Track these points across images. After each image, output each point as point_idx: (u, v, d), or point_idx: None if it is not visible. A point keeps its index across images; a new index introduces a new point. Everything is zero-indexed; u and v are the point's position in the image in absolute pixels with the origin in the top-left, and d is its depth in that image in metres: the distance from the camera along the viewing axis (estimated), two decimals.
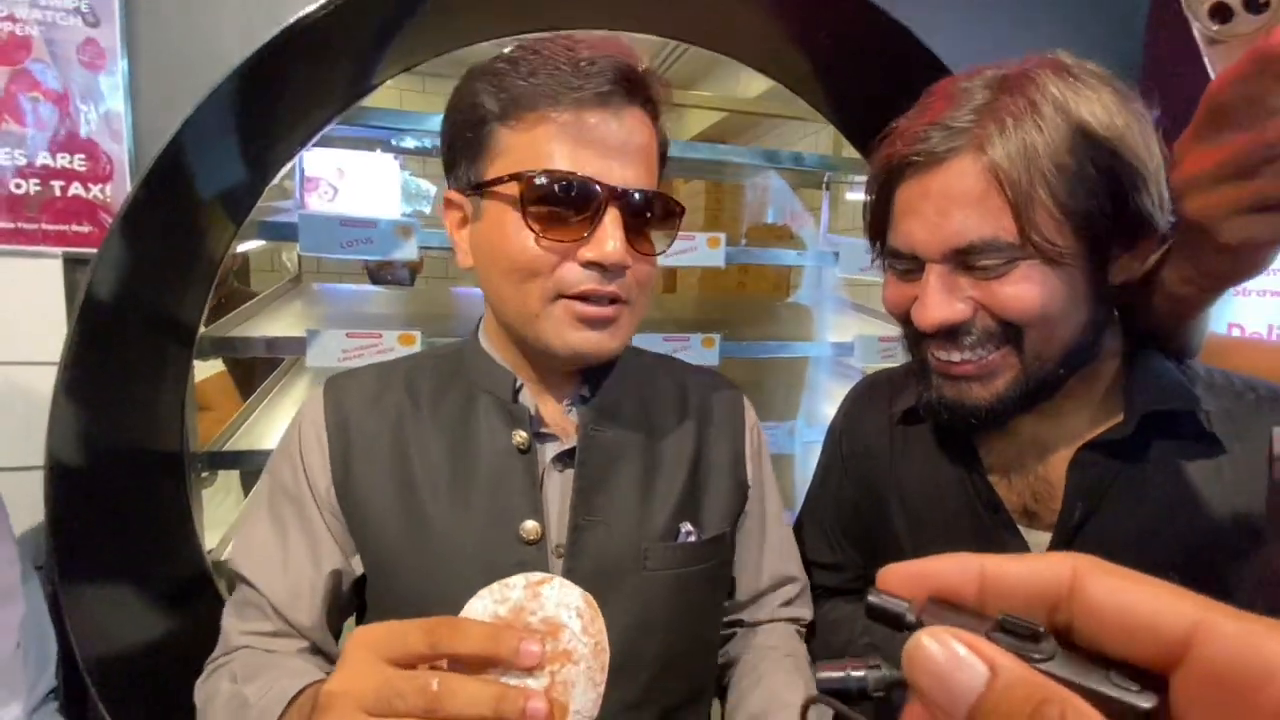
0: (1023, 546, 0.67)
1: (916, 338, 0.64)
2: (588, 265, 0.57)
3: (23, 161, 0.88)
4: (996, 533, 0.68)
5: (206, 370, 1.65)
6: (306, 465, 0.65)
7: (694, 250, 1.48)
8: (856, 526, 0.83)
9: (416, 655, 0.38)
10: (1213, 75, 0.43)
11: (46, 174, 0.89)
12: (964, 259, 0.57)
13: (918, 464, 0.75)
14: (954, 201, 0.57)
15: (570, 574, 0.61)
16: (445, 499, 0.63)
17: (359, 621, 0.70)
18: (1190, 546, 0.60)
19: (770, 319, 2.16)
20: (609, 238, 0.56)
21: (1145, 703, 0.18)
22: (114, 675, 0.97)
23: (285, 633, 0.63)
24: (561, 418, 0.68)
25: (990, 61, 0.61)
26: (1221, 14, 0.41)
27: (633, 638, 0.63)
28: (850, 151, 1.62)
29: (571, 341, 0.59)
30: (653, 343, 1.46)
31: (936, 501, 0.73)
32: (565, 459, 0.65)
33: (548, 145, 0.56)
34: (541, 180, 0.55)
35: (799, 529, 0.91)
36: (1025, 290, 0.56)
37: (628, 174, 0.58)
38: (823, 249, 1.89)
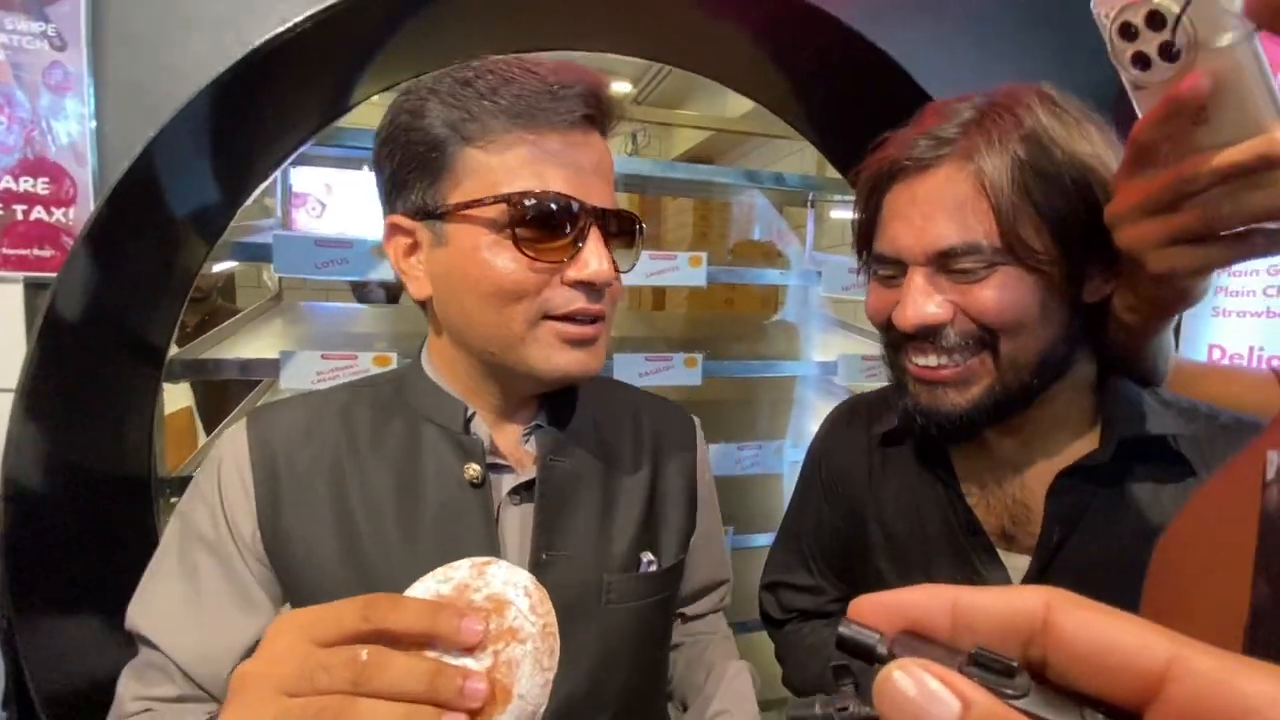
0: (1000, 569, 0.67)
1: (896, 344, 0.65)
2: (575, 285, 0.57)
3: None
4: (975, 555, 0.68)
5: (173, 403, 1.62)
6: (228, 509, 0.60)
7: (676, 270, 1.48)
8: (835, 549, 0.83)
9: (350, 633, 0.34)
10: (1140, 116, 0.47)
11: (9, 198, 0.88)
12: (945, 262, 0.59)
13: (897, 486, 0.75)
14: (939, 206, 0.59)
15: None
16: (390, 540, 0.59)
17: None
18: None
19: (757, 337, 2.15)
20: (596, 257, 0.57)
21: None
22: (70, 710, 0.94)
23: (194, 697, 0.58)
24: (516, 448, 0.65)
25: (969, 87, 0.64)
26: (1142, 62, 0.45)
27: (597, 676, 0.61)
28: (833, 171, 1.63)
29: (559, 363, 0.58)
30: (635, 363, 1.45)
31: (916, 524, 0.72)
32: (522, 491, 0.63)
33: (529, 167, 0.55)
34: (531, 202, 0.55)
35: (776, 551, 0.90)
36: (1002, 295, 0.58)
37: (603, 195, 0.58)
38: (808, 267, 1.89)
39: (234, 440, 0.62)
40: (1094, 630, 0.19)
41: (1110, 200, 0.57)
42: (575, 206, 0.56)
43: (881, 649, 0.21)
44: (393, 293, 2.96)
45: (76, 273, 0.89)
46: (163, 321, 1.12)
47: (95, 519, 1.03)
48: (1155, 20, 0.43)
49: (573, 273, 0.56)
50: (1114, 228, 0.52)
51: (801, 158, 3.41)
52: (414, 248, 0.60)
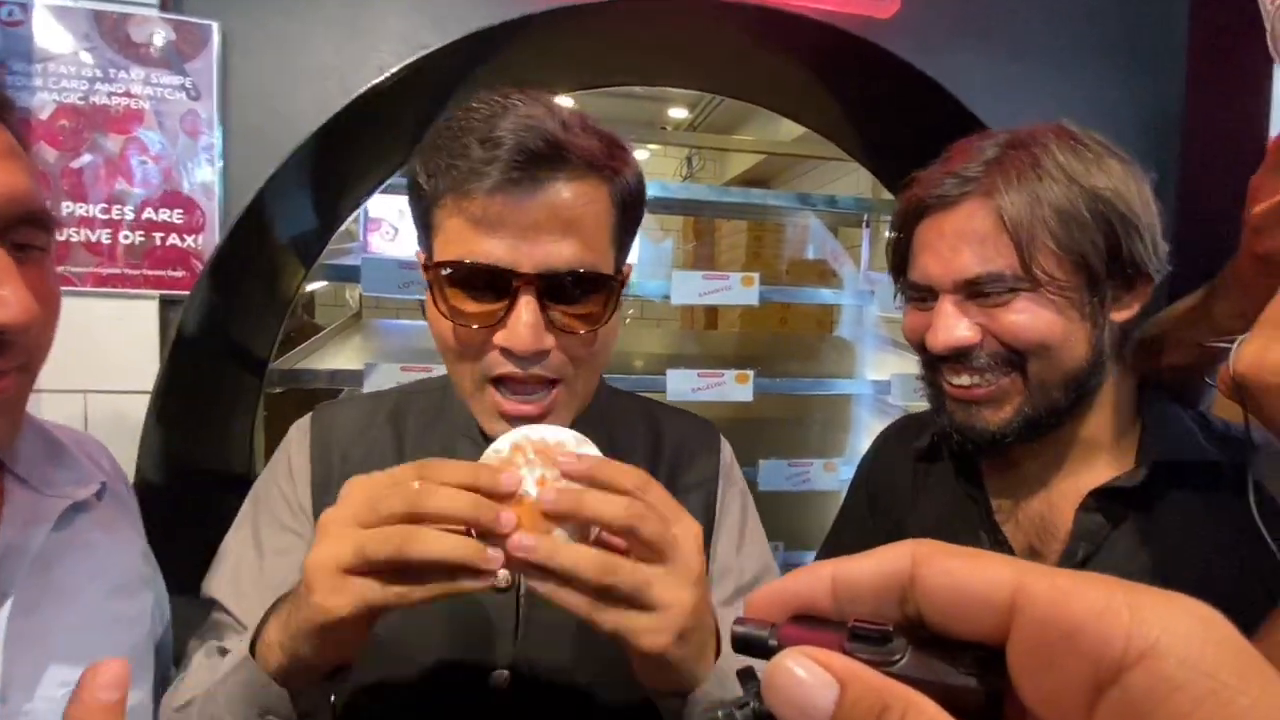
0: None
1: (932, 364, 0.69)
2: (503, 350, 0.57)
3: (131, 216, 1.01)
4: None
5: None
6: (291, 491, 0.66)
7: (728, 289, 1.53)
8: None
9: (398, 509, 0.43)
10: None
11: (150, 226, 1.02)
12: (972, 289, 0.64)
13: (934, 499, 0.78)
14: (964, 239, 0.63)
15: (529, 623, 0.62)
16: None
17: None
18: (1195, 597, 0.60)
19: (810, 355, 2.17)
20: (518, 325, 0.55)
21: (986, 686, 0.18)
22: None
23: None
24: None
25: (1017, 110, 0.69)
26: None
27: (588, 696, 0.63)
28: (888, 192, 1.65)
29: (498, 430, 0.58)
30: (688, 379, 1.51)
31: (950, 538, 0.74)
32: None
33: (460, 233, 0.56)
34: (448, 270, 0.56)
35: (820, 559, 0.92)
36: (1027, 318, 0.62)
37: (552, 253, 0.55)
38: (862, 287, 1.91)
39: (299, 430, 0.69)
40: (952, 576, 0.19)
41: (1130, 226, 0.60)
42: (495, 275, 0.55)
43: (772, 641, 0.21)
44: None
45: (203, 293, 1.02)
46: (266, 336, 1.25)
47: (207, 511, 1.15)
48: None
49: (498, 339, 0.56)
50: (1256, 229, 0.53)
51: (857, 178, 3.40)
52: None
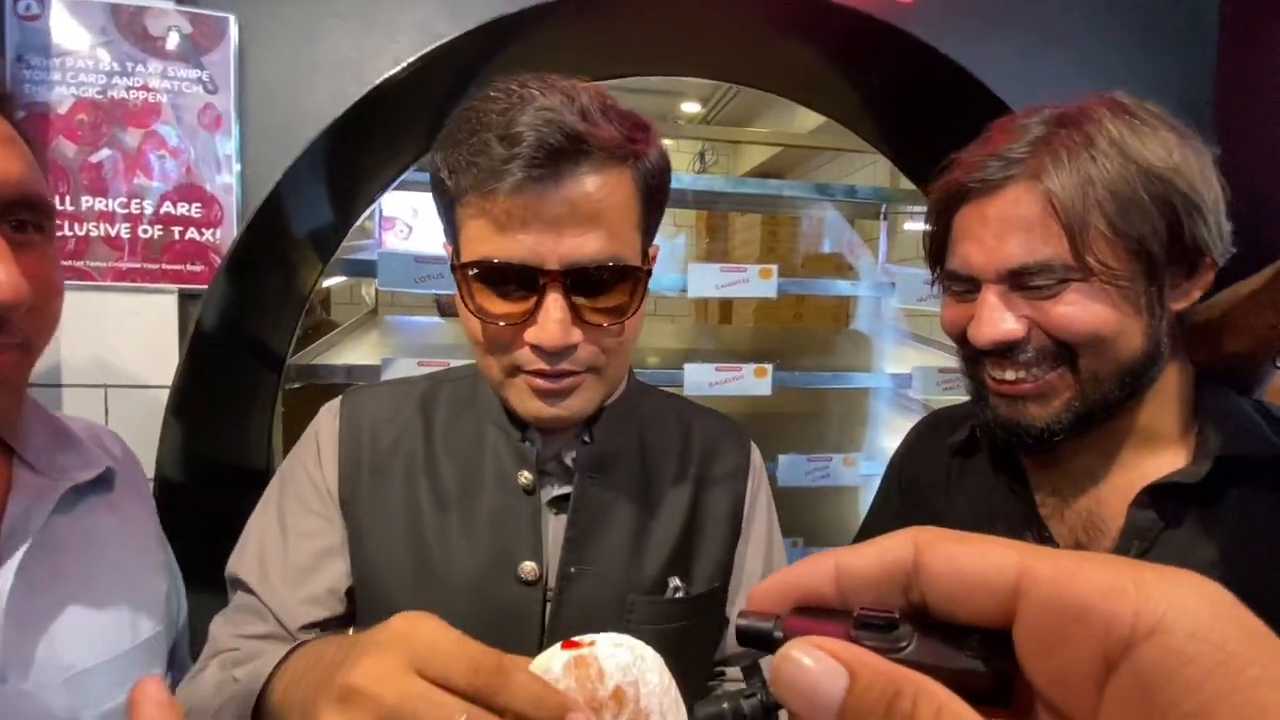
0: None
1: (974, 358, 0.65)
2: (533, 347, 0.57)
3: (150, 210, 1.01)
4: None
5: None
6: (319, 473, 0.66)
7: (746, 282, 1.51)
8: None
9: (454, 684, 0.35)
10: None
11: (169, 220, 1.02)
12: (1019, 279, 0.59)
13: (971, 495, 0.75)
14: (1010, 226, 0.59)
15: (556, 619, 0.62)
16: (449, 528, 0.64)
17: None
18: (1256, 603, 0.58)
19: (827, 349, 2.14)
20: (548, 321, 0.55)
21: (995, 669, 0.18)
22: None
23: (279, 636, 0.61)
24: (561, 459, 0.67)
25: (1045, 95, 0.64)
26: None
27: None
28: (907, 182, 1.62)
29: (532, 410, 0.60)
30: (706, 373, 1.49)
31: (989, 532, 0.72)
32: (561, 502, 0.66)
33: (484, 233, 0.55)
34: (474, 271, 0.56)
35: None
36: (1077, 310, 0.58)
37: (576, 247, 0.55)
38: (880, 279, 1.88)
39: (329, 413, 0.69)
40: (955, 562, 0.19)
41: (1192, 206, 0.56)
42: (522, 272, 0.55)
43: (778, 633, 0.21)
44: None
45: (221, 288, 1.02)
46: (284, 331, 1.25)
47: (224, 505, 1.16)
48: None
49: (528, 335, 0.56)
50: None
51: (874, 170, 3.37)
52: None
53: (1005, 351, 0.61)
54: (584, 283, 0.56)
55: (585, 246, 0.55)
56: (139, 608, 0.62)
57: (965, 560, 0.19)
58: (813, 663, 0.18)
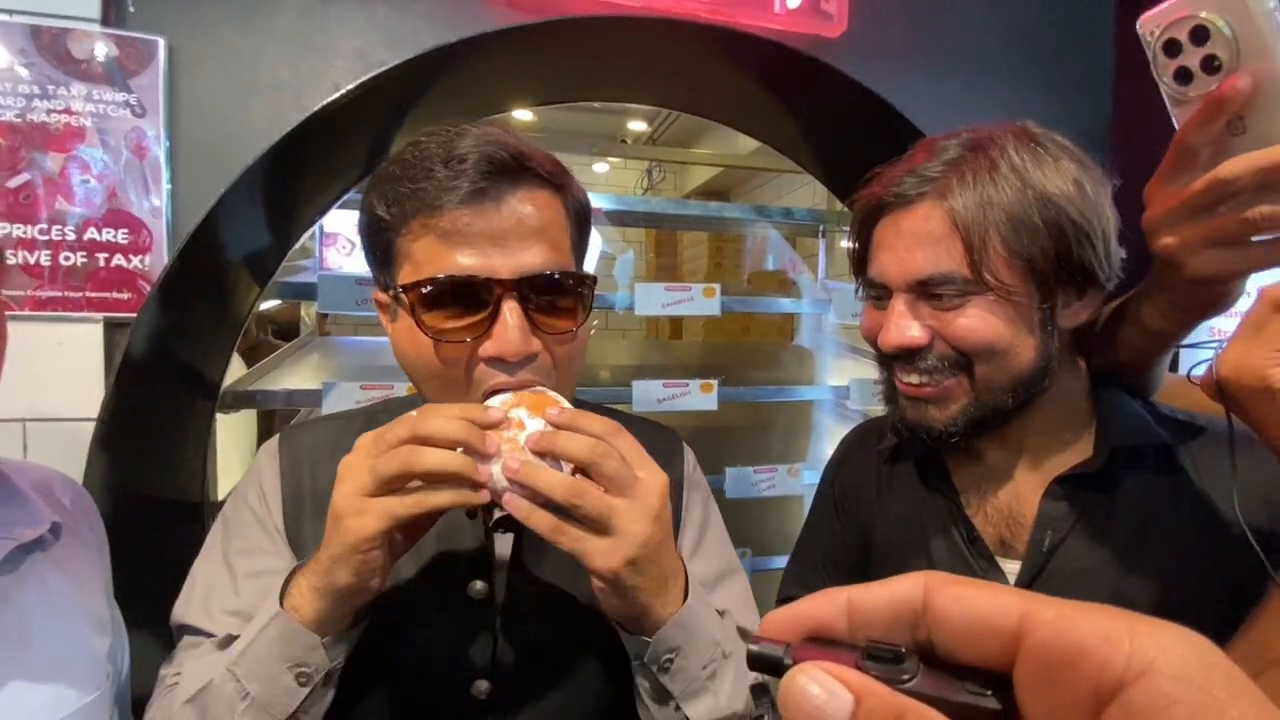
0: (1000, 575, 0.70)
1: (886, 362, 0.70)
2: (490, 361, 0.57)
3: (72, 236, 0.97)
4: (975, 563, 0.72)
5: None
6: (263, 513, 0.66)
7: (690, 300, 1.55)
8: (847, 563, 0.86)
9: (403, 435, 0.50)
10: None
11: (93, 247, 0.98)
12: (925, 289, 0.64)
13: (901, 498, 0.79)
14: (919, 239, 0.64)
15: (507, 634, 0.64)
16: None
17: None
18: (1158, 574, 0.64)
19: (771, 364, 2.21)
20: (506, 330, 0.56)
21: (994, 705, 0.20)
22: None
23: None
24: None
25: (961, 123, 0.69)
26: (1183, 77, 0.49)
27: (567, 707, 0.65)
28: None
29: None
30: (653, 389, 1.52)
31: (918, 535, 0.76)
32: (509, 521, 0.66)
33: (433, 251, 0.56)
34: (428, 289, 0.56)
35: (791, 566, 0.94)
36: (976, 323, 0.63)
37: (525, 259, 0.56)
38: (819, 296, 1.96)
39: (268, 454, 0.69)
40: (961, 604, 0.20)
41: (1081, 234, 0.61)
42: (477, 284, 0.55)
43: (788, 660, 0.22)
44: None
45: (151, 315, 0.99)
46: (218, 357, 1.22)
47: (155, 541, 1.11)
48: (1199, 35, 0.47)
49: (485, 348, 0.57)
50: (1150, 233, 0.54)
51: (813, 189, 3.49)
52: (390, 318, 0.63)
53: (910, 357, 0.66)
54: (537, 291, 0.58)
55: (534, 258, 0.57)
56: (81, 671, 0.60)
57: (973, 602, 0.20)
58: (820, 687, 0.19)
